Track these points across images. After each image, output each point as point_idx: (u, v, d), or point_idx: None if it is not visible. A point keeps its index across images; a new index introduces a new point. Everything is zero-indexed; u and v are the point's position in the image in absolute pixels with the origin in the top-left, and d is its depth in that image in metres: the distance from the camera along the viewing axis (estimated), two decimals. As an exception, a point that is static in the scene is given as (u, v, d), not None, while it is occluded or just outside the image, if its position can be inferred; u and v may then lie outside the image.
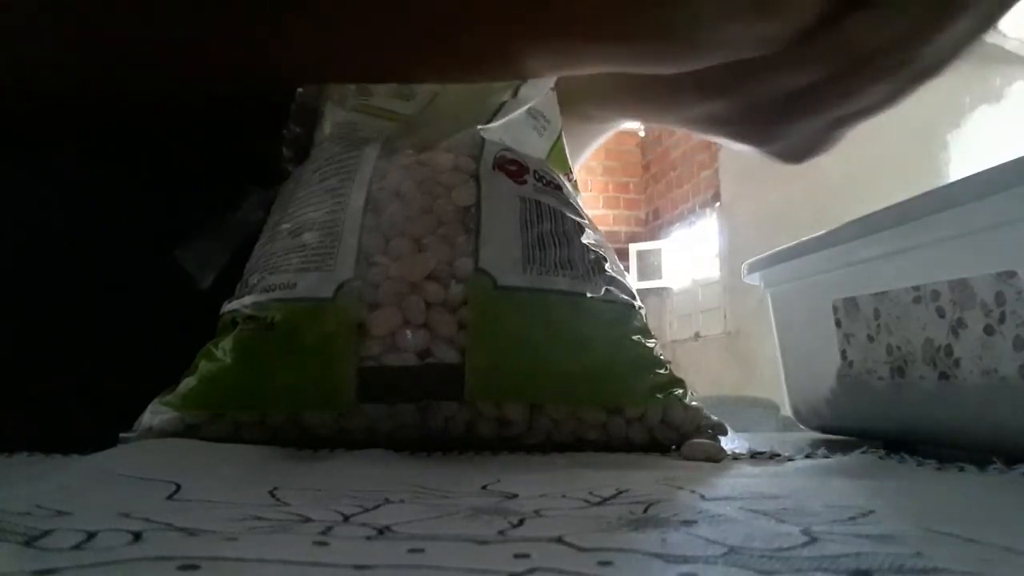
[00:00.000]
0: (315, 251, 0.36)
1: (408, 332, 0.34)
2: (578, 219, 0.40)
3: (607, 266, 0.39)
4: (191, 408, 0.34)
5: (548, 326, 0.35)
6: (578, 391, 0.36)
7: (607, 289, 0.38)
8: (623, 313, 0.38)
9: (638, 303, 0.40)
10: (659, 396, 0.37)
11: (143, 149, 0.46)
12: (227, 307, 0.37)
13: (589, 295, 0.37)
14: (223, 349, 0.35)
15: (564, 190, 0.41)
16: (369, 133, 0.41)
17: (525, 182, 0.39)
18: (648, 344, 0.38)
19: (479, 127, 0.42)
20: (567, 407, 0.36)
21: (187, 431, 0.34)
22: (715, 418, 0.39)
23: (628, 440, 0.36)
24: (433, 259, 0.35)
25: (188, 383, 0.35)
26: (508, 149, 0.40)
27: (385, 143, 0.40)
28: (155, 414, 0.35)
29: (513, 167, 0.39)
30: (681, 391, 0.38)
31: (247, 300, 0.36)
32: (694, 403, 0.38)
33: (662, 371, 0.38)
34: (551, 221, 0.38)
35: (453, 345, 0.34)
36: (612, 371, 0.36)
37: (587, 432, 0.36)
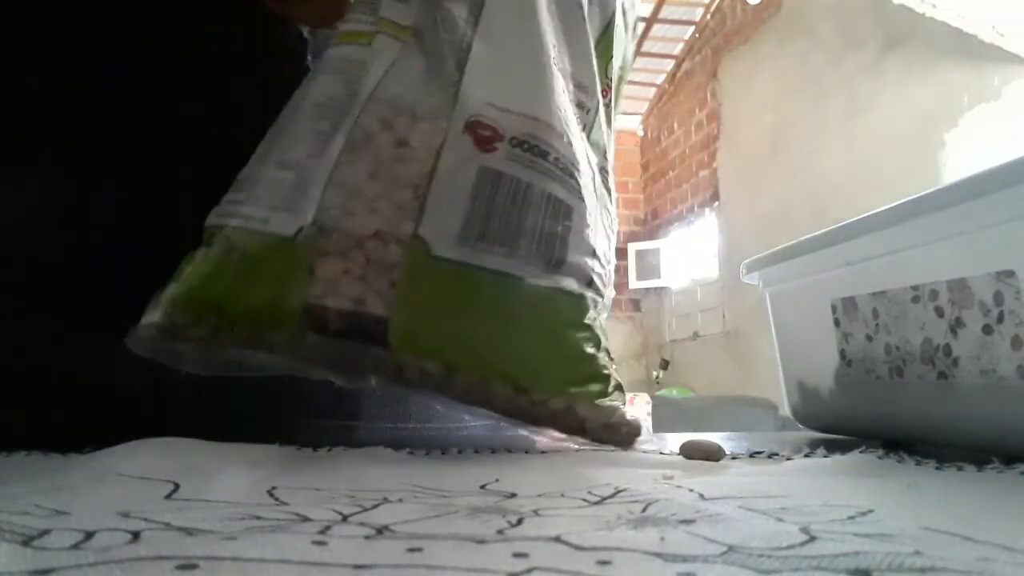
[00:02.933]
0: (290, 192, 0.38)
1: (346, 281, 0.37)
2: (553, 192, 0.39)
3: (563, 248, 0.39)
4: (177, 309, 0.37)
5: (469, 301, 0.37)
6: (488, 366, 0.37)
7: (550, 274, 0.38)
8: (557, 302, 0.38)
9: (593, 295, 0.39)
10: (571, 390, 0.38)
11: (132, 140, 0.46)
12: (213, 219, 0.39)
13: (526, 280, 0.37)
14: (205, 260, 0.38)
15: (550, 157, 0.40)
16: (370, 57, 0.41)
17: (495, 150, 0.39)
18: (580, 338, 0.38)
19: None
20: (476, 376, 0.37)
21: (173, 328, 0.37)
22: (632, 419, 0.39)
23: (533, 417, 0.38)
24: (379, 221, 0.37)
25: (173, 289, 0.38)
26: (481, 116, 0.39)
27: (375, 93, 0.40)
28: (150, 314, 0.38)
29: (485, 132, 0.39)
30: (598, 388, 0.38)
31: (232, 222, 0.38)
32: (609, 403, 0.39)
33: (584, 365, 0.38)
34: (510, 193, 0.38)
35: (384, 299, 0.36)
36: (523, 357, 0.37)
37: (494, 401, 0.38)
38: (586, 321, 0.39)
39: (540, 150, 0.40)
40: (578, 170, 0.41)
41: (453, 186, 0.38)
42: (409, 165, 0.38)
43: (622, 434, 0.39)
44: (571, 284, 0.38)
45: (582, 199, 0.41)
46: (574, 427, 0.38)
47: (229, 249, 0.38)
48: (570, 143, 0.41)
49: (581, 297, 0.39)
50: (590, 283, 0.39)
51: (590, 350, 0.38)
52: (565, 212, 0.39)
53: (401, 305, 0.36)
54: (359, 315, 0.36)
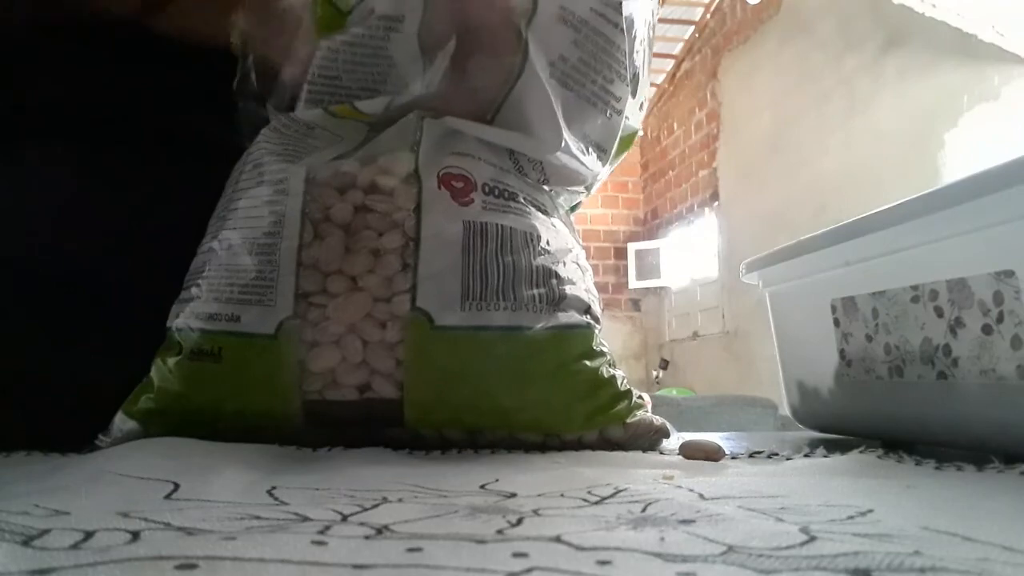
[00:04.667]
0: (255, 281, 0.35)
1: (345, 370, 0.35)
2: (531, 231, 0.38)
3: (559, 284, 0.37)
4: (153, 427, 0.35)
5: (485, 363, 0.35)
6: (514, 421, 0.36)
7: (553, 313, 0.37)
8: (567, 339, 0.37)
9: (588, 319, 0.38)
10: (599, 419, 0.37)
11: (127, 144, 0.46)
12: (173, 322, 0.37)
13: (529, 327, 0.36)
14: (175, 374, 0.36)
15: (520, 197, 0.39)
16: (322, 139, 0.40)
17: (471, 201, 0.37)
18: (592, 365, 0.37)
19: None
20: (504, 432, 0.37)
21: (151, 435, 0.35)
22: (659, 423, 0.39)
23: (565, 448, 0.37)
24: (370, 298, 0.35)
25: (147, 401, 0.36)
26: (453, 166, 0.38)
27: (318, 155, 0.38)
28: (123, 424, 0.36)
29: (459, 183, 0.37)
30: (624, 406, 0.38)
31: (193, 322, 0.36)
32: (638, 417, 0.38)
33: (605, 390, 0.37)
34: (497, 242, 0.36)
35: (391, 380, 0.35)
36: (548, 404, 0.36)
37: (524, 446, 0.37)
38: (595, 347, 0.38)
39: (510, 192, 0.38)
40: (544, 205, 0.40)
41: (442, 248, 0.36)
42: (386, 232, 0.36)
43: (651, 440, 0.39)
44: (574, 317, 0.37)
45: (557, 231, 0.40)
46: (607, 448, 0.38)
47: (201, 354, 0.35)
48: (530, 183, 0.40)
49: (588, 326, 0.38)
50: (588, 309, 0.39)
51: (607, 373, 0.38)
52: (548, 247, 0.38)
53: (411, 383, 0.35)
54: (368, 402, 0.35)
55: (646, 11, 0.44)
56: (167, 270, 0.39)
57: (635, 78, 0.44)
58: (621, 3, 0.41)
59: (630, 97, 0.44)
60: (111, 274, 0.43)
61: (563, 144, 0.40)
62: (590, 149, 0.42)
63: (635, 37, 0.43)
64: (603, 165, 0.43)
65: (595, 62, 0.41)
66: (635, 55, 0.43)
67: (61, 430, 0.35)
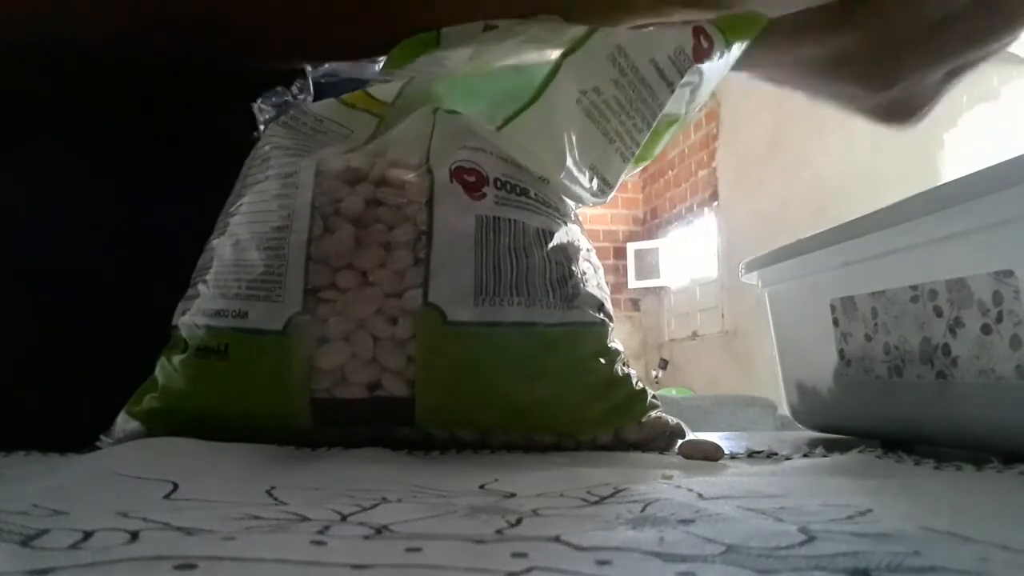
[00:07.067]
0: (263, 276, 0.35)
1: (355, 367, 0.34)
2: (544, 227, 0.38)
3: (572, 280, 0.37)
4: (157, 426, 0.35)
5: (499, 359, 0.34)
6: (529, 419, 0.36)
7: (567, 310, 0.36)
8: (581, 336, 0.36)
9: (602, 316, 0.38)
10: (613, 418, 0.37)
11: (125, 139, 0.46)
12: (178, 319, 0.37)
13: (543, 323, 0.35)
14: (180, 372, 0.35)
15: (531, 193, 0.38)
16: (329, 134, 0.39)
17: (484, 195, 0.36)
18: (606, 363, 0.37)
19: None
20: (518, 431, 0.36)
21: (155, 435, 0.34)
22: (673, 422, 0.39)
23: (579, 448, 0.37)
24: (381, 293, 0.34)
25: (151, 400, 0.36)
26: (465, 159, 0.37)
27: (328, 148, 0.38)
28: (126, 425, 0.36)
29: (471, 177, 0.37)
30: (640, 407, 0.37)
31: (199, 319, 0.36)
32: (652, 415, 0.38)
33: (620, 389, 0.37)
34: (510, 236, 0.36)
35: (402, 378, 0.34)
36: (563, 402, 0.36)
37: (537, 447, 0.37)
38: (610, 345, 0.38)
39: (521, 188, 0.38)
40: (554, 201, 0.40)
41: (455, 242, 0.35)
42: (398, 225, 0.35)
43: (667, 440, 0.38)
44: (588, 314, 0.37)
45: (568, 228, 0.40)
46: (622, 449, 0.37)
47: (207, 352, 0.35)
48: (540, 178, 0.40)
49: (602, 323, 0.37)
50: (601, 306, 0.38)
51: (621, 372, 0.37)
52: (561, 243, 0.38)
53: (423, 381, 0.34)
54: (377, 400, 0.34)
55: (718, 72, 0.43)
56: (173, 268, 0.39)
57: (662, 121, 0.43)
58: (689, 67, 0.40)
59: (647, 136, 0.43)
60: (114, 272, 0.43)
61: (563, 173, 0.39)
62: (594, 180, 0.41)
63: (694, 91, 0.43)
64: (604, 196, 0.42)
65: (629, 107, 0.40)
66: (670, 105, 0.42)
67: (61, 430, 0.35)
